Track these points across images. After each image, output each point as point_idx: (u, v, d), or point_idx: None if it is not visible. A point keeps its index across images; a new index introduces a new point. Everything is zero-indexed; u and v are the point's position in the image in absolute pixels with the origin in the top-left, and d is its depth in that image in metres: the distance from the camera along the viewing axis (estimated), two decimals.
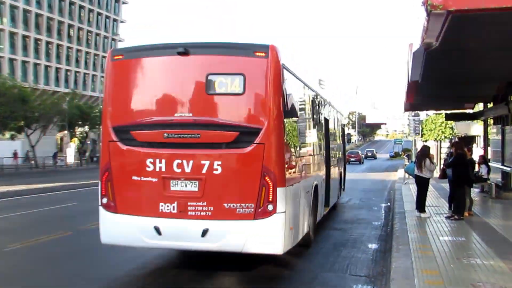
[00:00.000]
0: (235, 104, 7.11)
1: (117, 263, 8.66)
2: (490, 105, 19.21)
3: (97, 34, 75.97)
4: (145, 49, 7.55)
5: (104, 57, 77.63)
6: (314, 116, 10.39)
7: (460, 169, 12.03)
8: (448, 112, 25.30)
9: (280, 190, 6.93)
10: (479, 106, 24.05)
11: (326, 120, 12.45)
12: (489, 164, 17.26)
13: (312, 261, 8.84)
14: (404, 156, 40.84)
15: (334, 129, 14.65)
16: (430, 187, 15.19)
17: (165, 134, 7.17)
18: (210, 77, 7.10)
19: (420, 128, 33.30)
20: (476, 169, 16.26)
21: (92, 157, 57.80)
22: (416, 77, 11.65)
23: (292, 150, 7.86)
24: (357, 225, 12.81)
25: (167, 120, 7.19)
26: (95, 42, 75.57)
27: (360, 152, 71.40)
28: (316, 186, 9.95)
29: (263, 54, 7.00)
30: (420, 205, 12.56)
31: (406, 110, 25.55)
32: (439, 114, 32.58)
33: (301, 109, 8.90)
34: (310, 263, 8.67)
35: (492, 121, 19.34)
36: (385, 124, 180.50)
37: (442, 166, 14.09)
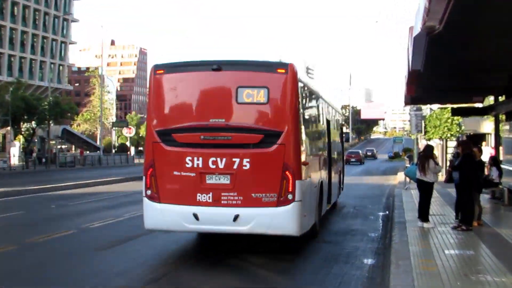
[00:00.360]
0: (260, 112, 10.14)
1: None
2: (501, 98, 19.40)
3: (46, 14, 74.87)
4: (183, 65, 10.51)
5: (54, 40, 76.62)
6: (321, 119, 13.97)
7: (468, 172, 12.17)
8: (455, 106, 25.59)
9: (297, 183, 9.89)
10: (489, 100, 24.32)
11: (328, 121, 15.41)
12: (501, 166, 17.32)
13: (298, 278, 8.88)
14: (405, 157, 41.23)
15: (335, 129, 17.55)
16: (435, 193, 15.36)
17: (202, 136, 10.08)
18: (239, 89, 10.05)
19: (423, 125, 33.58)
20: (486, 172, 16.41)
21: (40, 158, 56.89)
22: (418, 65, 11.75)
23: (305, 149, 10.83)
24: (351, 237, 12.89)
25: (203, 125, 10.11)
26: (43, 23, 74.51)
27: (361, 152, 72.64)
28: (322, 182, 13.10)
29: (284, 71, 10.07)
30: (423, 213, 12.70)
31: (406, 104, 25.78)
32: (445, 108, 32.83)
33: (312, 114, 12.45)
34: (296, 281, 8.71)
35: (504, 117, 19.53)
36: (383, 120, 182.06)
37: (447, 168, 14.25)
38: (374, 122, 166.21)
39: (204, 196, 10.00)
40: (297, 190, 9.88)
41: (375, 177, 39.27)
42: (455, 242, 10.69)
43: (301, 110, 10.63)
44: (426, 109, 41.52)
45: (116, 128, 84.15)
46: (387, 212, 17.62)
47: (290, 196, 9.84)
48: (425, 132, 34.40)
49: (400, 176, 30.62)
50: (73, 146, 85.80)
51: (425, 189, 12.78)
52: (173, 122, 10.36)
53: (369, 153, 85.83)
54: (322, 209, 13.45)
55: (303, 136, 10.66)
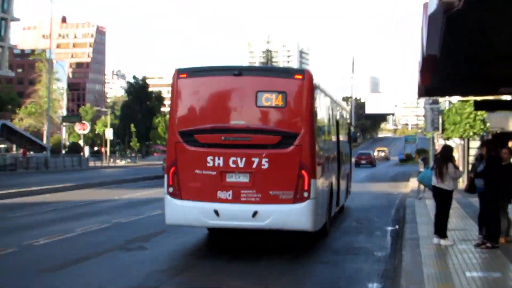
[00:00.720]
0: (278, 115, 12.99)
1: None
2: None
3: None
4: (206, 70, 13.54)
5: None
6: (332, 121, 17.20)
7: (494, 178, 12.24)
8: (478, 99, 25.72)
9: (312, 181, 12.62)
10: None
11: (337, 122, 18.50)
12: None
13: None
14: (419, 160, 41.46)
15: (343, 129, 20.56)
16: (454, 203, 15.41)
17: (223, 137, 12.78)
18: (259, 93, 12.79)
19: (440, 121, 33.73)
20: None
21: None
22: (434, 50, 11.79)
23: (319, 150, 13.69)
24: (353, 256, 12.96)
25: (224, 126, 12.89)
26: None
27: (371, 153, 73.67)
28: (332, 183, 16.09)
29: (301, 77, 12.98)
30: (440, 228, 12.79)
31: (420, 95, 25.78)
32: (466, 101, 32.93)
33: (324, 117, 15.56)
34: None
35: None
36: (393, 115, 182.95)
37: (469, 174, 14.32)
38: (381, 117, 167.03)
39: (224, 194, 12.66)
40: (312, 188, 12.59)
41: (383, 184, 39.46)
42: (479, 262, 10.77)
43: (316, 113, 13.44)
44: (444, 102, 41.66)
45: (67, 124, 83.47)
46: (397, 226, 17.71)
47: (305, 194, 12.52)
48: (443, 130, 34.35)
49: (413, 183, 30.80)
50: (14, 146, 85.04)
51: (443, 199, 12.86)
52: (195, 123, 13.10)
53: (381, 154, 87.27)
54: (332, 210, 16.28)
55: (318, 138, 13.49)
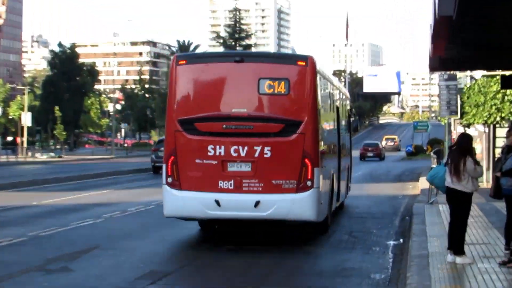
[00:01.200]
0: (281, 102, 16.07)
1: None
2: None
3: None
4: (206, 56, 17.97)
5: None
6: (333, 108, 20.63)
7: None
8: (507, 73, 25.88)
9: (316, 170, 15.59)
10: None
11: (338, 109, 21.78)
12: None
13: None
14: (431, 154, 41.51)
15: (344, 117, 24.19)
16: (475, 210, 15.46)
17: (224, 126, 15.72)
18: (261, 80, 15.67)
19: (459, 103, 33.77)
20: None
21: None
22: (448, 9, 11.79)
23: (322, 139, 16.70)
24: (343, 279, 12.95)
25: (225, 114, 15.80)
26: None
27: (380, 143, 75.39)
28: (333, 174, 19.36)
29: (304, 63, 15.82)
30: (456, 242, 12.82)
31: (433, 69, 25.95)
32: (493, 77, 32.91)
33: (327, 104, 18.85)
34: None
35: None
36: (398, 94, 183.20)
37: (494, 172, 14.31)
38: (384, 97, 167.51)
39: (225, 183, 15.50)
40: (315, 177, 15.55)
41: (386, 185, 39.49)
42: (504, 286, 10.78)
43: (319, 101, 16.37)
44: (464, 78, 41.78)
45: None
46: (401, 240, 17.77)
47: (309, 183, 15.44)
48: (462, 114, 34.23)
49: (423, 184, 30.92)
50: None
51: (460, 204, 12.89)
52: (195, 111, 15.89)
53: (390, 143, 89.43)
54: (333, 204, 19.30)
55: (321, 126, 16.51)
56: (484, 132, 35.14)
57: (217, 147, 15.56)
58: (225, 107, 15.91)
